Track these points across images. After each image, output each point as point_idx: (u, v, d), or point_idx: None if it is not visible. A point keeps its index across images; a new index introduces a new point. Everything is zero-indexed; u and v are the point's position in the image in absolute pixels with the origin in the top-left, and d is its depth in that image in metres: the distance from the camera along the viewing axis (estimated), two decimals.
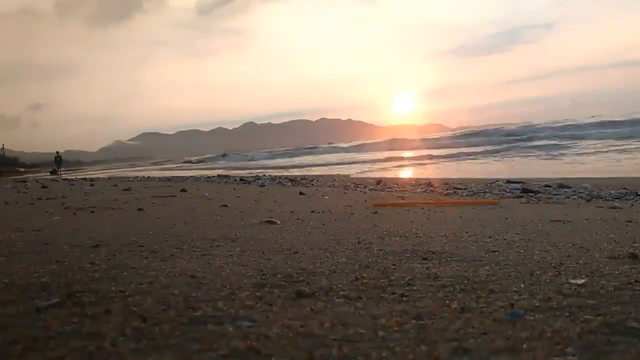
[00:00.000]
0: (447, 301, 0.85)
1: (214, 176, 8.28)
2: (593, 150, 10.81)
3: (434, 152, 14.51)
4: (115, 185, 5.68)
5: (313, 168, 10.90)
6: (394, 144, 21.47)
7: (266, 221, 1.98)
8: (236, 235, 1.64)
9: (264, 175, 7.71)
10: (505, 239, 1.51)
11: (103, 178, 9.93)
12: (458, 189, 4.04)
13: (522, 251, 1.31)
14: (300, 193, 3.84)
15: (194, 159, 34.22)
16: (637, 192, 3.53)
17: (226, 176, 7.88)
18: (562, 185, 3.92)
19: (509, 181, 4.70)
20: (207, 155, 37.59)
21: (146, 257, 1.26)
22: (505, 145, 14.55)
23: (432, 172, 8.48)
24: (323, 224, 1.92)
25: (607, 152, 10.16)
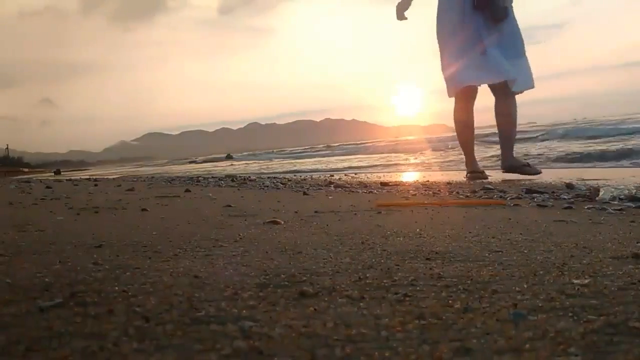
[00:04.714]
0: (450, 301, 0.85)
1: (216, 177, 8.30)
2: None
3: (439, 152, 14.45)
4: (119, 186, 5.69)
5: (315, 172, 10.88)
6: (398, 143, 21.45)
7: (270, 221, 1.98)
8: (239, 235, 1.64)
9: (267, 178, 7.73)
10: (508, 239, 1.50)
11: (107, 178, 9.94)
12: (462, 188, 4.03)
13: (525, 251, 1.30)
14: (304, 193, 3.84)
15: (198, 159, 34.34)
16: None
17: (232, 176, 7.90)
18: (568, 184, 3.91)
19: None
20: (211, 156, 37.71)
21: (149, 257, 1.26)
22: None
23: (435, 171, 8.47)
24: (327, 224, 1.91)
25: None
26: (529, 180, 4.79)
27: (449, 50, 5.16)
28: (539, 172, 5.24)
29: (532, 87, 5.11)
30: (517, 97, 5.13)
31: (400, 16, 5.37)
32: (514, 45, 5.02)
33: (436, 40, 5.32)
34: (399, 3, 5.36)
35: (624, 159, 8.21)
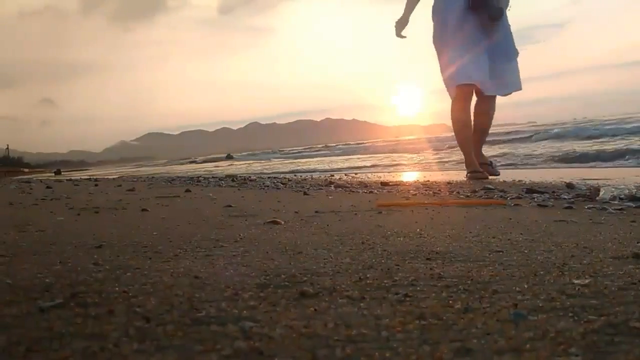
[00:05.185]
0: (450, 301, 0.85)
1: (217, 177, 8.30)
2: None
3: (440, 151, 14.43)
4: (120, 186, 5.69)
5: (316, 172, 10.88)
6: (398, 143, 21.43)
7: (270, 222, 1.98)
8: (240, 235, 1.64)
9: (268, 178, 7.73)
10: (509, 239, 1.50)
11: (108, 178, 9.94)
12: (462, 188, 4.03)
13: (526, 251, 1.30)
14: (305, 193, 3.84)
15: (198, 159, 34.36)
16: None
17: (233, 176, 7.90)
18: (568, 184, 3.91)
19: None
20: (211, 156, 37.73)
21: (150, 258, 1.26)
22: None
23: (436, 171, 8.47)
24: (327, 225, 1.91)
25: None
26: (529, 180, 4.79)
27: (447, 51, 5.21)
28: (498, 174, 5.57)
29: (520, 89, 5.41)
30: (509, 97, 5.43)
31: (399, 34, 5.51)
32: (507, 49, 5.21)
33: (432, 43, 5.39)
34: (397, 21, 5.46)
35: (624, 158, 8.21)
